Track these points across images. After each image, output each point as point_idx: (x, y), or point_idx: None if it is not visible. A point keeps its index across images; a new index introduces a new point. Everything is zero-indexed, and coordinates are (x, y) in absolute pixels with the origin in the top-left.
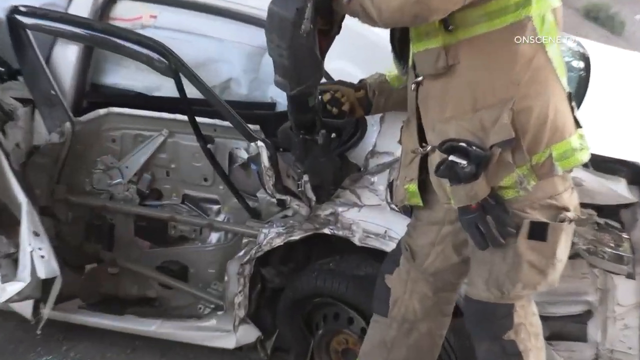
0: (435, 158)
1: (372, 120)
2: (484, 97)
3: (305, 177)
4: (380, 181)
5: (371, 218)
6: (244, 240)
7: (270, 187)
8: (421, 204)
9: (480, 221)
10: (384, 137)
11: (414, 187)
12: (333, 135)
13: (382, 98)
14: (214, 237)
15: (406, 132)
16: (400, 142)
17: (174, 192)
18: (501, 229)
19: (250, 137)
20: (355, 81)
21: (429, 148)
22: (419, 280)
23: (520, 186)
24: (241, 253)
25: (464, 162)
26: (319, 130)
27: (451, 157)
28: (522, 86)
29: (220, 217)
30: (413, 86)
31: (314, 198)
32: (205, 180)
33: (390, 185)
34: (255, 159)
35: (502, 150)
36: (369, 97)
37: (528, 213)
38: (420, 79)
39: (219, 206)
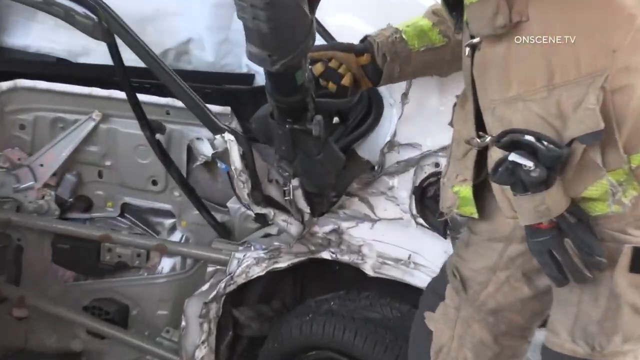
0: (496, 153)
1: (391, 98)
2: (563, 69)
3: (295, 182)
4: (402, 185)
5: (390, 237)
6: (209, 269)
7: (244, 197)
8: (475, 215)
9: (555, 246)
10: (408, 122)
11: (467, 190)
12: (335, 120)
13: (395, 64)
14: (166, 264)
15: (460, 112)
16: (451, 124)
17: (110, 200)
18: (586, 257)
19: (214, 127)
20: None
21: (487, 139)
22: (473, 321)
23: (612, 198)
24: (205, 287)
25: (530, 163)
26: (312, 116)
27: (512, 156)
28: (619, 55)
29: (176, 236)
30: (467, 50)
31: (307, 210)
32: (154, 183)
33: (417, 191)
34: (223, 155)
35: (586, 147)
36: (378, 63)
37: (630, 235)
38: (476, 40)
39: (174, 220)
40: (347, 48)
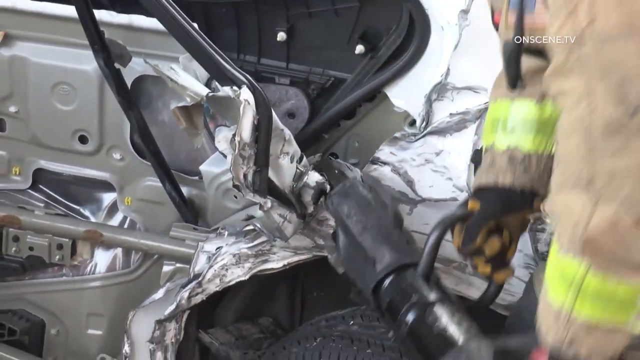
0: None
1: (442, 18)
2: None
3: (313, 177)
4: (457, 149)
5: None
6: (165, 269)
7: (238, 178)
8: None
9: None
10: (468, 55)
11: None
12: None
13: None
14: (101, 260)
15: None
16: None
17: (16, 165)
18: None
19: (221, 74)
20: None
21: None
22: None
23: None
24: (158, 295)
25: None
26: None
27: None
28: None
29: (116, 220)
30: None
31: (311, 208)
32: (83, 141)
33: (479, 158)
34: (220, 105)
35: None
36: None
37: None
38: None
39: (113, 196)
40: (523, 202)
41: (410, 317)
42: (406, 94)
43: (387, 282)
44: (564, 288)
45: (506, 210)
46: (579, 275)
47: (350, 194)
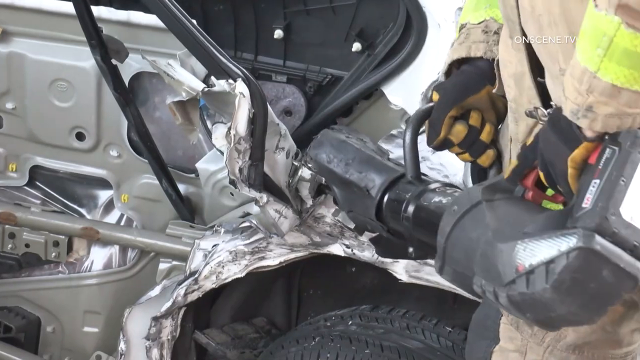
0: None
1: (439, 16)
2: None
3: (306, 172)
4: None
5: None
6: (162, 266)
7: (234, 172)
8: None
9: None
10: None
11: None
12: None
13: None
14: (97, 258)
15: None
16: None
17: (12, 161)
18: None
19: (217, 68)
20: None
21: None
22: None
23: None
24: (155, 292)
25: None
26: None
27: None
28: None
29: (112, 217)
30: None
31: (310, 202)
32: (80, 137)
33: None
34: (219, 100)
35: None
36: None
37: None
38: None
39: (110, 193)
40: (480, 80)
41: (410, 208)
42: (403, 91)
43: (385, 201)
44: (592, 45)
45: (464, 93)
46: (609, 32)
47: (324, 141)
